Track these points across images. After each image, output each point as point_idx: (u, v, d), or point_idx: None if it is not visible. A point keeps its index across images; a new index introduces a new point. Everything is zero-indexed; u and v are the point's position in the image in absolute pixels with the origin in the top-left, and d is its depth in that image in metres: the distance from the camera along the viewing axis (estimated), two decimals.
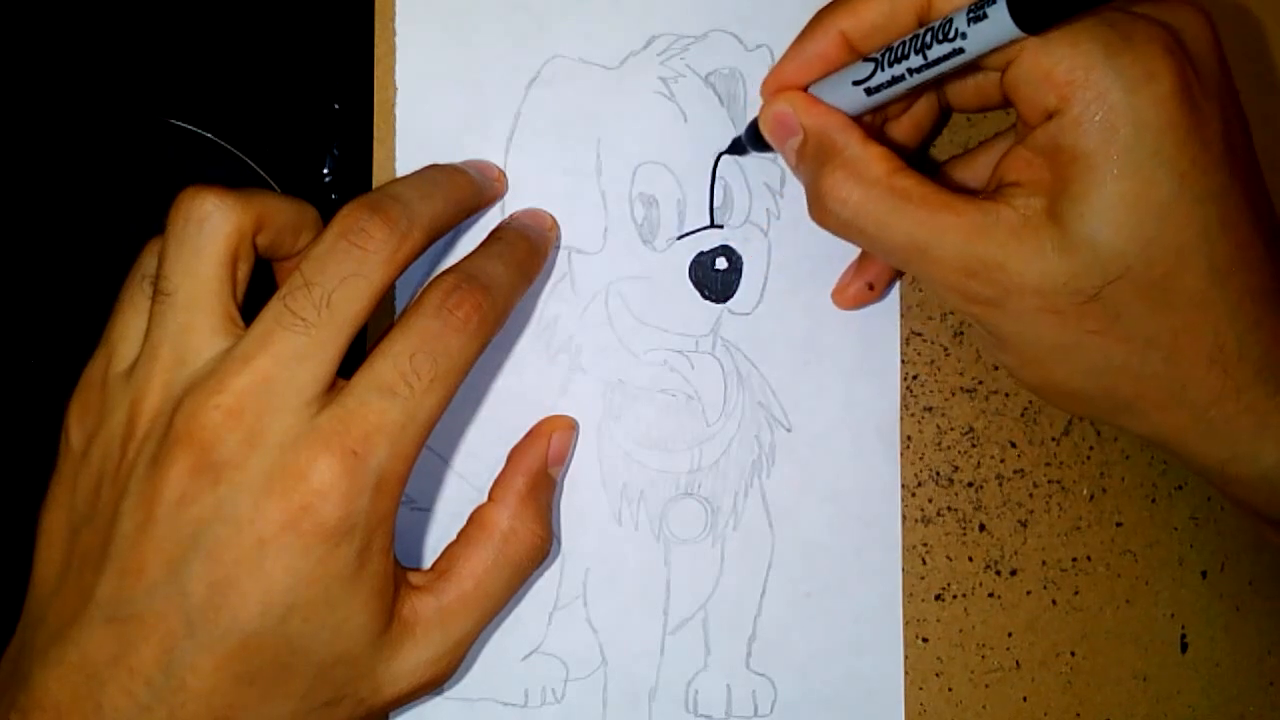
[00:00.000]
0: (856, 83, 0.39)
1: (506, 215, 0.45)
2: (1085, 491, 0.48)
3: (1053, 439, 0.47)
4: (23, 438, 0.47)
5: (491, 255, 0.41)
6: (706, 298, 0.46)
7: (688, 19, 0.46)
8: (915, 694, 0.47)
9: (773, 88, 0.42)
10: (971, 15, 0.35)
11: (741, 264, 0.46)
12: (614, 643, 0.46)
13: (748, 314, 0.46)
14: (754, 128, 0.43)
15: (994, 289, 0.37)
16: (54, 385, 0.40)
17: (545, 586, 0.46)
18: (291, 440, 0.35)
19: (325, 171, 0.48)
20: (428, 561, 0.44)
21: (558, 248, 0.45)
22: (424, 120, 0.45)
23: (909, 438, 0.47)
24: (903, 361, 0.47)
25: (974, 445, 0.47)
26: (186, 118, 0.47)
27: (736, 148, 0.45)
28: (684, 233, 0.46)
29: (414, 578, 0.40)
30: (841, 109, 0.40)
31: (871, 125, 0.42)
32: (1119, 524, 0.48)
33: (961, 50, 0.35)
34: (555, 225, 0.45)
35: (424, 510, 0.46)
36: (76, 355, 0.39)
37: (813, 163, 0.40)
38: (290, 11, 0.48)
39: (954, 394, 0.47)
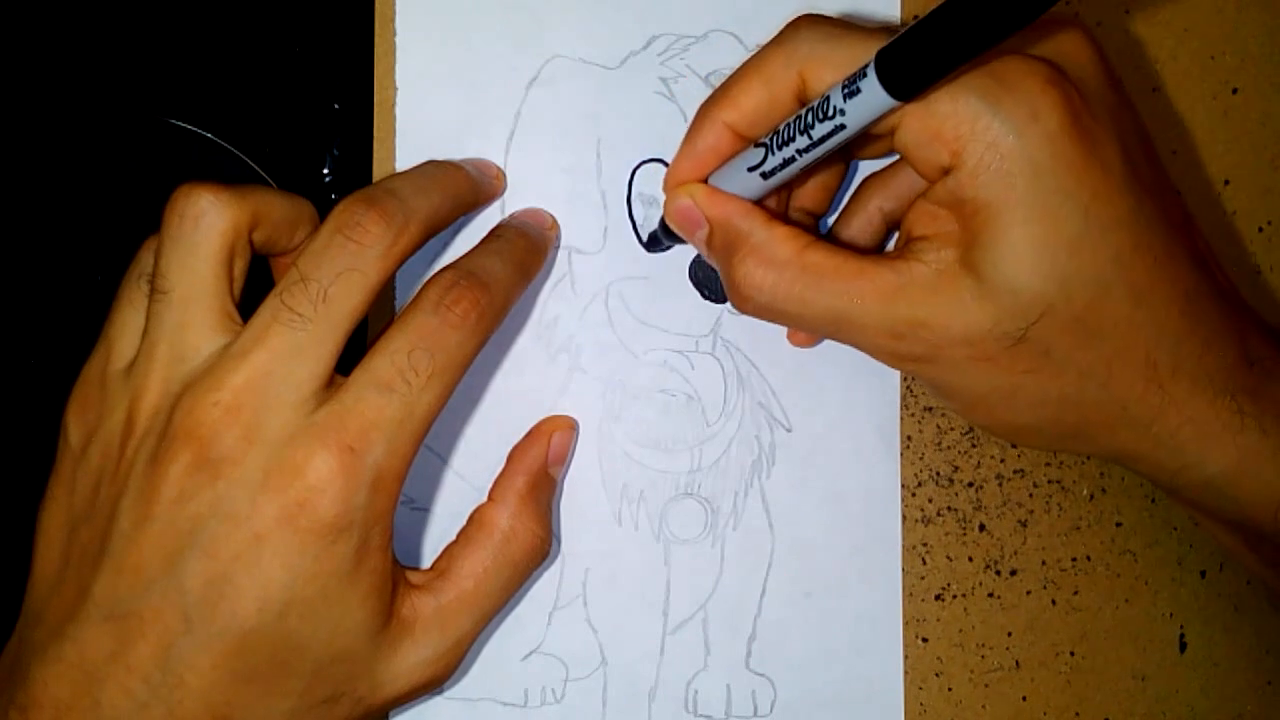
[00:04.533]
0: (752, 169, 0.39)
1: (506, 215, 0.45)
2: (1085, 491, 0.48)
3: None
4: (22, 437, 0.47)
5: (490, 252, 0.41)
6: (706, 298, 0.46)
7: (688, 19, 0.46)
8: (915, 694, 0.47)
9: (671, 186, 0.42)
10: (846, 91, 0.35)
11: None
12: (614, 643, 0.46)
13: None
14: (664, 222, 0.43)
15: (922, 346, 0.37)
16: (54, 385, 0.40)
17: (545, 586, 0.46)
18: (289, 436, 0.35)
19: (325, 171, 0.48)
20: (427, 561, 0.44)
21: (558, 247, 0.45)
22: (424, 120, 0.45)
23: (909, 438, 0.47)
24: None
25: (974, 445, 0.47)
26: (186, 118, 0.47)
27: (653, 243, 0.45)
28: None
29: (413, 577, 0.40)
30: (745, 194, 0.40)
31: (780, 198, 0.42)
32: (1119, 524, 0.48)
33: (843, 126, 0.35)
34: (555, 224, 0.45)
35: (423, 510, 0.46)
36: (76, 355, 0.39)
37: (721, 253, 0.40)
38: (290, 11, 0.48)
39: None
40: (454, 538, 0.42)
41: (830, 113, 0.35)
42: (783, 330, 0.46)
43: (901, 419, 0.47)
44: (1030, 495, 0.47)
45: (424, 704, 0.45)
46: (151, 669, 0.35)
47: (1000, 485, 0.47)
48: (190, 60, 0.48)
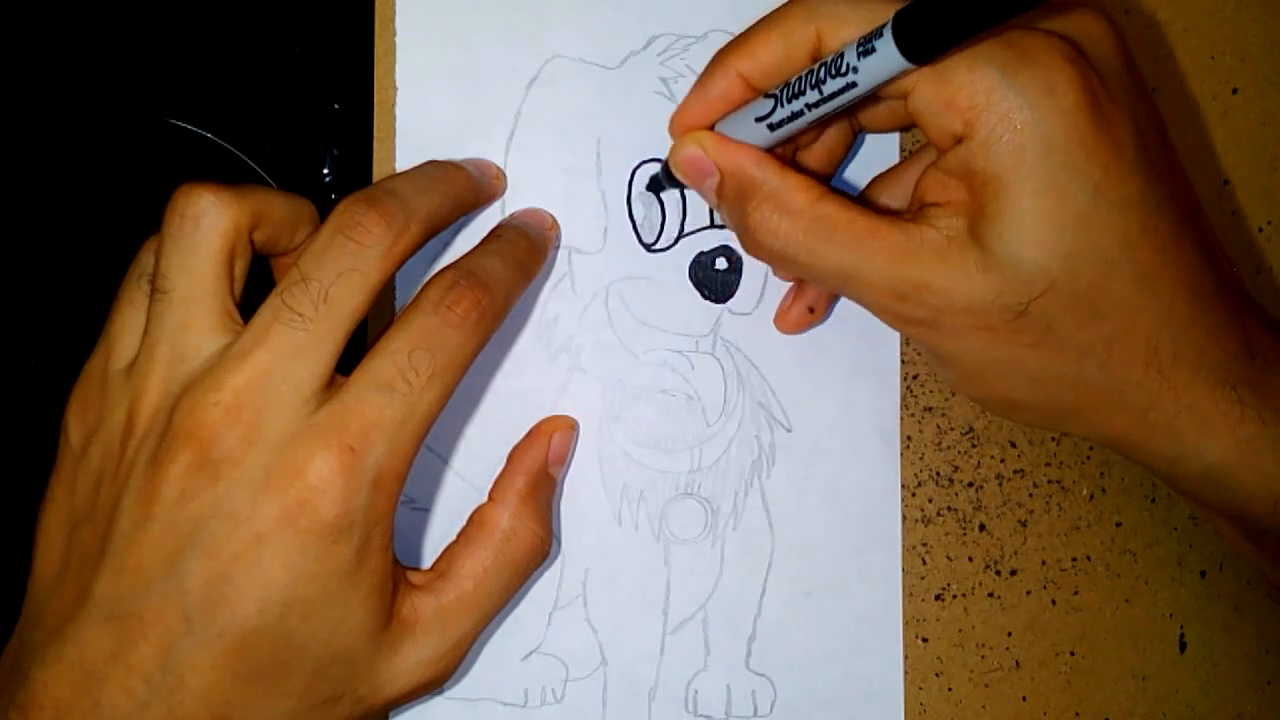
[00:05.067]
0: (759, 119, 0.39)
1: (506, 215, 0.45)
2: (1085, 491, 0.48)
3: (1053, 439, 0.47)
4: (22, 437, 0.47)
5: (491, 252, 0.41)
6: (706, 298, 0.46)
7: (688, 19, 0.46)
8: (915, 694, 0.47)
9: (679, 129, 0.41)
10: (861, 49, 0.35)
11: (741, 264, 0.46)
12: (614, 643, 0.46)
13: (748, 314, 0.46)
14: (666, 167, 0.43)
15: (925, 310, 0.37)
16: (54, 385, 0.40)
17: (545, 586, 0.46)
18: (289, 437, 0.35)
19: (325, 171, 0.48)
20: (427, 561, 0.44)
21: (558, 247, 0.45)
22: (424, 120, 0.45)
23: (909, 438, 0.47)
24: (903, 361, 0.47)
25: (974, 445, 0.47)
26: (186, 118, 0.47)
27: (655, 186, 0.45)
28: (684, 232, 0.46)
29: (414, 577, 0.40)
30: (750, 144, 0.40)
31: (783, 155, 0.42)
32: (1119, 524, 0.48)
33: (855, 84, 0.35)
34: (555, 224, 0.45)
35: (424, 510, 0.46)
36: (76, 355, 0.39)
37: (734, 200, 0.40)
38: (290, 11, 0.48)
39: (954, 394, 0.47)
40: (454, 538, 0.42)
41: (843, 69, 0.35)
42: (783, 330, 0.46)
43: (901, 419, 0.47)
44: (1030, 495, 0.47)
45: (424, 704, 0.45)
46: (152, 669, 0.35)
47: (1000, 485, 0.47)
48: (190, 60, 0.48)
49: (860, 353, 0.47)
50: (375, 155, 0.45)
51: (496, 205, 0.45)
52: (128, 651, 0.35)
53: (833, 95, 0.36)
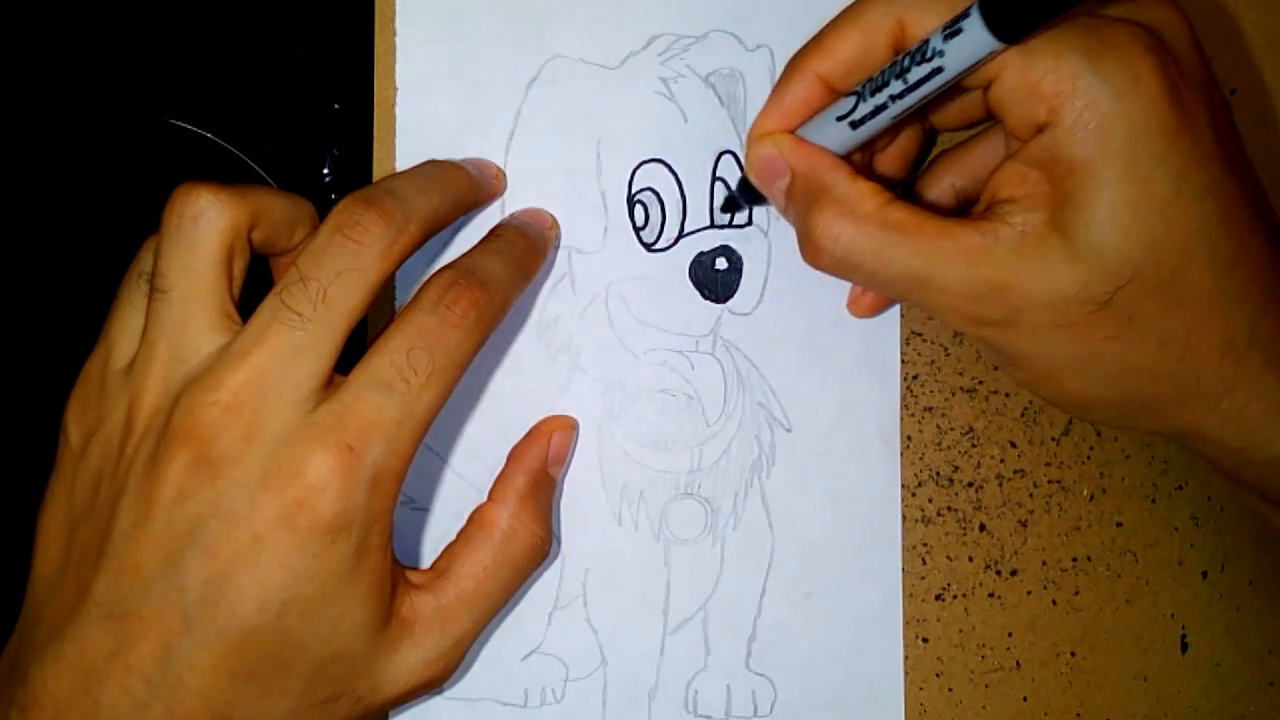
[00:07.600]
0: (840, 118, 0.38)
1: (506, 215, 0.45)
2: (1085, 491, 0.47)
3: (1053, 439, 0.47)
4: (22, 437, 0.47)
5: (490, 252, 0.41)
6: (706, 298, 0.46)
7: (688, 19, 0.46)
8: (915, 694, 0.47)
9: (756, 137, 0.41)
10: (947, 32, 0.34)
11: (741, 264, 0.46)
12: (614, 643, 0.46)
13: (748, 314, 0.46)
14: (744, 181, 0.43)
15: (1003, 310, 0.37)
16: (54, 385, 0.40)
17: (545, 586, 0.46)
18: (288, 436, 0.35)
19: (325, 171, 0.48)
20: (427, 561, 0.44)
21: (557, 247, 0.45)
22: (424, 120, 0.45)
23: (909, 438, 0.47)
24: (903, 361, 0.47)
25: (974, 445, 0.47)
26: (186, 118, 0.47)
27: (730, 205, 0.45)
28: (684, 232, 0.46)
29: (413, 576, 0.40)
30: (830, 148, 0.40)
31: (860, 162, 0.42)
32: (1119, 524, 0.48)
33: (941, 69, 0.35)
34: (555, 224, 0.45)
35: (423, 510, 0.46)
36: (76, 355, 0.39)
37: (801, 202, 0.40)
38: (290, 11, 0.48)
39: (954, 394, 0.47)
40: (454, 538, 0.42)
41: (929, 55, 0.35)
42: (784, 331, 0.46)
43: (901, 419, 0.47)
44: (1030, 495, 0.47)
45: (424, 704, 0.45)
46: (151, 668, 0.35)
47: (1000, 485, 0.47)
48: (190, 60, 0.48)
49: (860, 353, 0.46)
50: (375, 155, 0.45)
51: (496, 205, 0.45)
52: (127, 651, 0.35)
53: (918, 83, 0.36)
